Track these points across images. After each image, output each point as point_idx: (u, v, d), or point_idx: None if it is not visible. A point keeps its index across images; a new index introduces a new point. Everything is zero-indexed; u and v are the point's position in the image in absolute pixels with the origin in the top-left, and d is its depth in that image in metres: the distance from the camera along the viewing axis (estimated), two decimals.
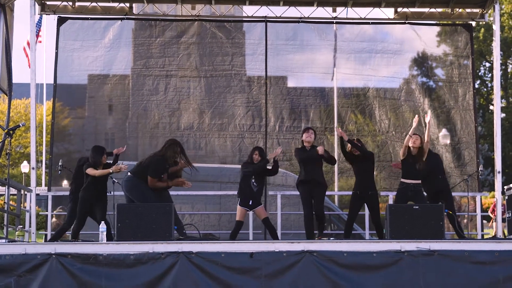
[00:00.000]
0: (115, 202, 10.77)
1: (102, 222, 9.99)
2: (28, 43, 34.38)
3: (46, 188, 15.03)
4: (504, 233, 12.86)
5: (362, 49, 14.46)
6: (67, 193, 11.56)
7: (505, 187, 12.28)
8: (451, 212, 11.10)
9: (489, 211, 20.63)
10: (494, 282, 9.33)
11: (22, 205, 12.44)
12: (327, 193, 14.62)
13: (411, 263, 9.31)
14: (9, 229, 10.71)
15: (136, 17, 14.02)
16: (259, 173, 11.25)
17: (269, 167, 11.50)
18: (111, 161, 11.25)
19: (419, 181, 11.11)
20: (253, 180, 11.22)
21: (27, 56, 34.86)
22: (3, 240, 9.96)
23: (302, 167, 11.35)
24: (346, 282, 9.24)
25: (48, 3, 13.41)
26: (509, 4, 40.53)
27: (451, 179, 14.07)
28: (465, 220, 14.85)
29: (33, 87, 12.13)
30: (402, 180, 11.17)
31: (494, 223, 19.52)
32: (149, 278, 9.15)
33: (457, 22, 14.34)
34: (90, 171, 10.71)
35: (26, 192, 12.63)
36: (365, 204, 11.57)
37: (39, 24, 33.94)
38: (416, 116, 11.41)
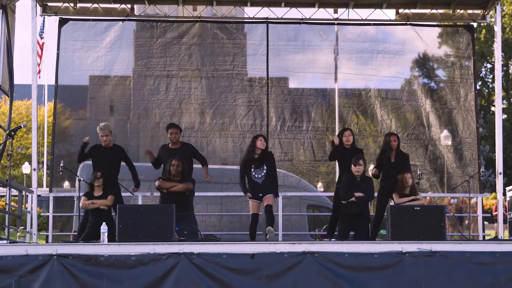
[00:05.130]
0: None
1: (104, 223, 9.98)
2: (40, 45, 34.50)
3: (48, 189, 15.04)
4: None
5: (363, 49, 14.44)
6: (68, 194, 11.58)
7: (507, 188, 12.28)
8: (452, 214, 11.16)
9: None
10: (495, 283, 9.30)
11: (23, 206, 12.44)
12: (328, 193, 14.66)
13: (413, 264, 9.29)
14: (10, 230, 10.71)
15: (137, 18, 14.02)
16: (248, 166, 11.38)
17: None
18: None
19: None
20: (252, 173, 11.27)
21: (40, 57, 34.99)
22: (5, 241, 9.96)
23: None
24: (347, 283, 9.23)
25: (49, 4, 13.41)
26: (510, 5, 40.50)
27: (452, 180, 14.07)
28: (467, 221, 14.84)
29: (35, 88, 12.14)
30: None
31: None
32: (150, 279, 9.14)
33: (459, 23, 14.33)
34: (86, 203, 10.92)
35: (27, 193, 12.63)
36: None
37: (43, 26, 34.17)
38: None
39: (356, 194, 10.91)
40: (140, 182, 12.00)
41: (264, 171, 11.29)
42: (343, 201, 11.04)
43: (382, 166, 11.73)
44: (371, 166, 14.49)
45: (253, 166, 11.32)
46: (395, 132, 12.47)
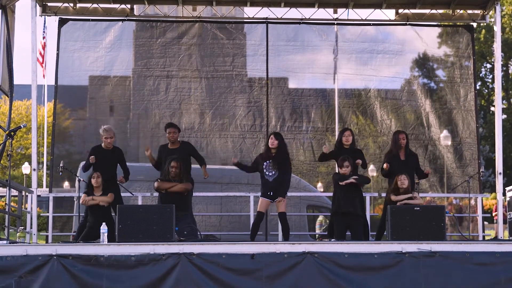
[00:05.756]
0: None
1: (104, 223, 9.98)
2: (43, 46, 34.64)
3: (47, 189, 15.04)
4: None
5: (363, 49, 14.44)
6: (68, 194, 11.58)
7: (506, 188, 12.28)
8: (452, 214, 11.16)
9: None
10: (495, 283, 9.31)
11: (23, 206, 12.44)
12: (328, 193, 14.64)
13: (412, 264, 9.30)
14: (10, 230, 10.71)
15: (137, 18, 14.02)
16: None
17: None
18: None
19: None
20: (264, 171, 11.23)
21: (43, 58, 35.11)
22: (4, 242, 9.96)
23: None
24: (347, 283, 9.23)
25: (49, 4, 13.41)
26: (510, 6, 40.52)
27: (452, 180, 14.07)
28: (466, 222, 14.84)
29: (34, 89, 12.14)
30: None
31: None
32: (150, 280, 9.14)
33: (458, 23, 14.33)
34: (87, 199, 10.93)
35: (27, 194, 12.63)
36: None
37: (44, 26, 34.35)
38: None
39: (353, 177, 10.91)
40: (129, 179, 11.97)
41: (276, 173, 11.24)
42: (340, 183, 10.95)
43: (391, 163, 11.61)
44: (371, 167, 14.54)
45: (265, 163, 11.28)
46: (404, 131, 12.34)
